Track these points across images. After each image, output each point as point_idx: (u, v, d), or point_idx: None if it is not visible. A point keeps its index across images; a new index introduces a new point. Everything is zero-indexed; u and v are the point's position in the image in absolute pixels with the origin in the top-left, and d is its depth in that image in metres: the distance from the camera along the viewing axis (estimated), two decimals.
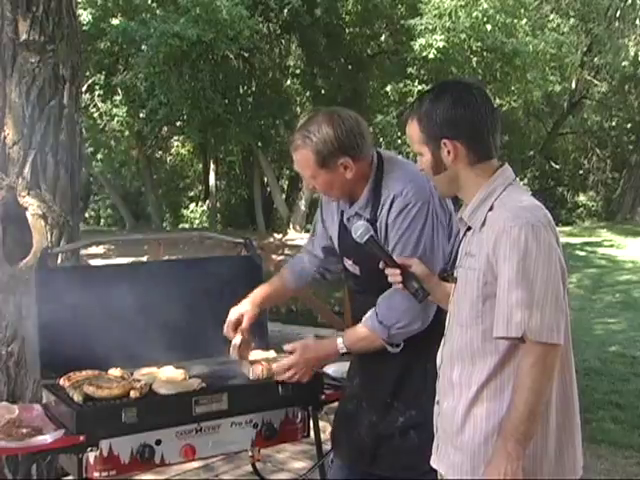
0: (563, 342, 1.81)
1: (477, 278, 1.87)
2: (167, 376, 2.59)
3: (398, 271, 2.14)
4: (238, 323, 2.58)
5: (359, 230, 2.18)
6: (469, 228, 1.97)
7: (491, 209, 1.91)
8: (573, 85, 22.07)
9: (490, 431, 1.85)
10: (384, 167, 2.35)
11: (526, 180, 23.97)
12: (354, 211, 2.37)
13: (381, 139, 19.48)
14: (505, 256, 1.80)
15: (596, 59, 21.06)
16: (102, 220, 25.66)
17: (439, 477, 2.02)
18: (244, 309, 2.58)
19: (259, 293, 2.63)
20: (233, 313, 2.58)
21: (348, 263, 2.44)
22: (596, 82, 22.59)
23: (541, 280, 1.78)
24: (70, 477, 2.81)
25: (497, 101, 17.58)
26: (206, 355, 2.79)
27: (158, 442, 2.40)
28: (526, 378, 1.77)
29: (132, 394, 2.42)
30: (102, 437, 2.32)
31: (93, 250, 13.65)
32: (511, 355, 1.84)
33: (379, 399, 2.37)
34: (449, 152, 1.93)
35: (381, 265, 2.16)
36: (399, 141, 18.73)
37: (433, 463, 2.02)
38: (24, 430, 2.37)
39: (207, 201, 23.77)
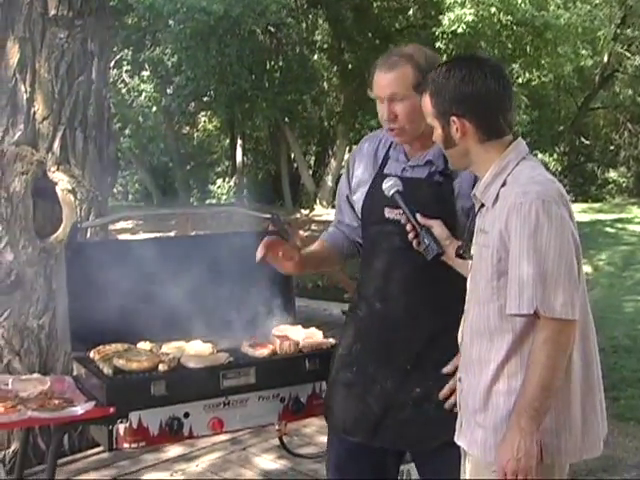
0: (579, 317, 1.79)
1: (491, 255, 1.87)
2: (195, 350, 2.63)
3: (410, 227, 2.16)
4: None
5: (389, 182, 2.20)
6: (483, 205, 1.96)
7: (504, 185, 1.90)
8: (605, 58, 21.65)
9: (512, 408, 1.85)
10: None
11: (555, 156, 23.66)
12: (424, 160, 2.27)
13: None
14: (516, 232, 1.80)
15: (629, 31, 20.63)
16: (130, 195, 25.81)
17: (462, 453, 2.03)
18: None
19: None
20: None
21: (394, 213, 2.31)
22: (629, 55, 22.14)
23: (553, 255, 1.77)
24: (100, 447, 2.86)
25: (527, 76, 17.31)
26: (233, 330, 2.81)
27: (186, 415, 2.43)
28: (540, 354, 1.77)
29: (161, 367, 2.45)
30: (132, 409, 2.36)
31: (121, 225, 13.75)
32: (529, 332, 1.83)
33: (397, 366, 2.29)
34: (457, 129, 1.92)
35: (402, 220, 2.17)
36: None
37: (457, 439, 2.03)
38: (56, 401, 2.42)
39: (234, 177, 23.82)
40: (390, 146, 2.35)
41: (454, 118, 1.92)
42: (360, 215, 2.40)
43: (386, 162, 2.34)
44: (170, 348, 2.64)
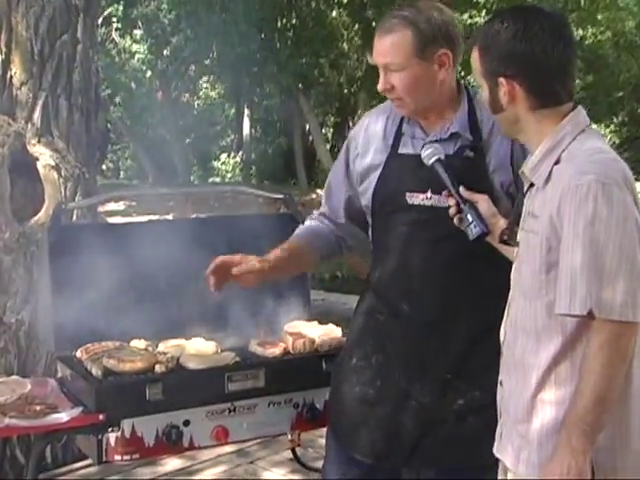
0: None
1: (540, 243, 1.83)
2: (197, 349, 2.64)
3: (453, 202, 2.14)
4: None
5: (428, 150, 2.18)
6: (532, 184, 1.94)
7: (557, 162, 1.85)
8: None
9: (561, 420, 1.82)
10: (469, 90, 2.32)
11: (613, 127, 23.48)
12: (448, 132, 2.25)
13: None
14: (570, 219, 1.75)
15: None
16: (122, 172, 25.93)
17: (501, 468, 2.02)
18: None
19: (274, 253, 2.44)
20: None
21: (420, 198, 2.29)
22: None
23: (613, 248, 1.72)
24: (88, 460, 2.89)
25: (580, 32, 17.16)
26: (239, 327, 2.82)
27: (186, 423, 2.45)
28: (594, 361, 1.73)
29: (157, 368, 2.47)
30: (124, 416, 2.37)
31: (112, 206, 13.81)
32: (582, 334, 1.79)
33: (435, 376, 2.26)
34: (505, 93, 1.90)
35: (445, 194, 2.16)
36: (462, 81, 18.45)
37: (496, 452, 2.02)
38: (37, 407, 2.43)
39: (240, 151, 23.84)
40: (402, 121, 2.31)
41: (502, 79, 1.88)
42: (371, 204, 2.35)
43: (399, 140, 2.31)
44: (168, 347, 2.66)
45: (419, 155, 2.22)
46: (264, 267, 2.33)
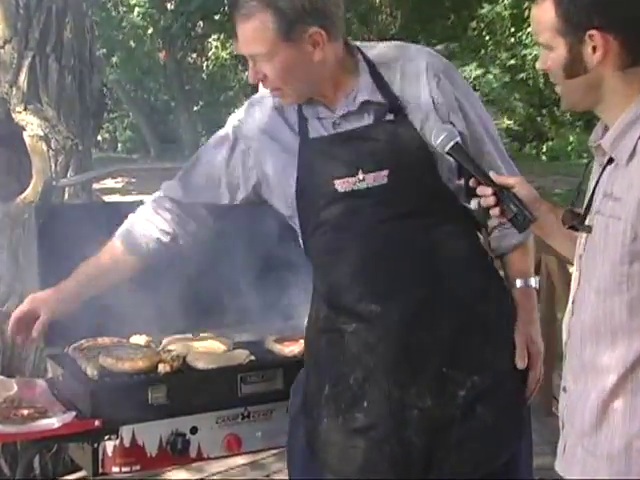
0: None
1: (622, 231, 1.80)
2: (206, 346, 2.67)
3: (490, 191, 2.08)
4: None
5: (442, 135, 2.12)
6: (611, 160, 1.90)
7: None
8: None
9: (635, 434, 1.81)
10: (366, 51, 2.31)
11: None
12: (356, 101, 2.25)
13: (487, 37, 19.13)
14: None
15: None
16: (119, 145, 26.04)
17: None
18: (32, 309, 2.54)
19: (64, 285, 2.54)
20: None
21: (352, 182, 2.27)
22: None
23: None
24: (82, 472, 2.91)
25: None
26: (255, 320, 2.83)
27: (194, 430, 2.46)
28: None
29: (161, 368, 2.48)
30: (123, 422, 2.39)
31: (109, 183, 13.89)
32: None
33: (430, 375, 2.25)
34: (595, 48, 1.83)
35: (472, 183, 2.12)
36: (512, 39, 18.34)
37: (557, 468, 2.01)
38: (25, 412, 2.45)
39: None
40: (300, 104, 2.32)
41: (593, 32, 1.80)
42: (295, 206, 2.32)
43: (305, 125, 2.30)
44: (173, 343, 2.68)
45: (335, 135, 2.26)
46: (53, 315, 2.52)
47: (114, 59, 20.50)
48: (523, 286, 2.38)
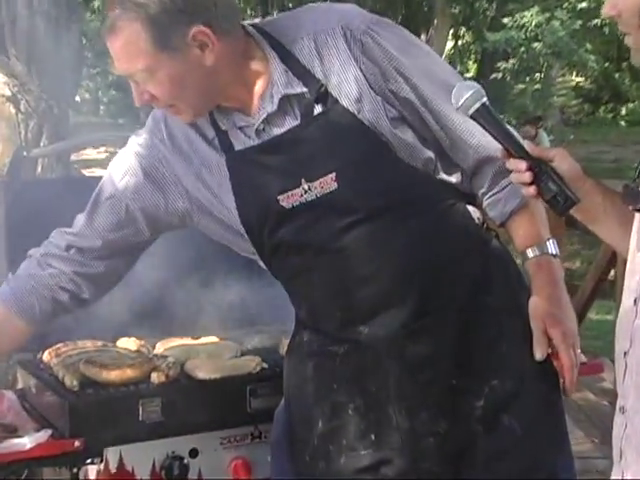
0: None
1: None
2: (208, 351, 2.69)
3: (524, 165, 2.05)
4: None
5: (465, 94, 2.03)
6: None
7: None
8: None
9: None
10: (269, 31, 2.28)
11: None
12: (273, 99, 2.22)
13: None
14: None
15: None
16: (102, 107, 26.06)
17: None
18: None
19: None
20: None
21: (298, 195, 2.26)
22: None
23: None
24: None
25: None
26: (266, 322, 2.86)
27: (193, 453, 2.49)
28: None
29: (154, 378, 2.51)
30: (108, 443, 2.42)
31: (90, 154, 13.93)
32: None
33: (439, 390, 2.27)
34: None
35: (501, 155, 2.09)
36: None
37: None
38: None
39: None
40: (212, 115, 2.32)
41: None
42: (246, 233, 2.34)
43: (226, 139, 2.31)
44: (169, 348, 2.72)
45: (263, 144, 2.25)
46: None
47: (96, 2, 20.47)
48: (537, 254, 2.32)
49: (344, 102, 2.21)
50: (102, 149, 14.85)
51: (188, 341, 2.77)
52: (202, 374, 2.56)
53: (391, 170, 2.23)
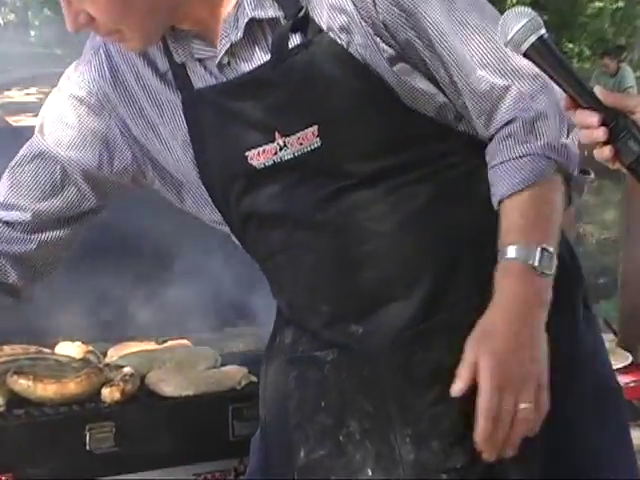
0: None
1: None
2: (177, 360, 2.72)
3: (596, 118, 2.05)
4: None
5: (516, 23, 2.03)
6: None
7: None
8: None
9: None
10: None
11: None
12: (239, 23, 2.20)
13: None
14: None
15: None
16: (33, 32, 26.11)
17: None
18: None
19: None
20: None
21: (270, 152, 2.26)
22: None
23: None
24: None
25: None
26: (253, 321, 2.89)
27: None
28: None
29: (106, 395, 2.53)
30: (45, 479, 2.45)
31: (15, 96, 13.99)
32: None
33: (452, 410, 2.24)
34: None
35: (564, 105, 2.09)
36: None
37: None
38: None
39: None
40: (166, 44, 2.32)
41: None
42: (208, 194, 2.38)
43: (184, 74, 2.32)
44: (125, 356, 2.75)
45: (226, 84, 2.24)
46: None
47: None
48: (511, 257, 2.16)
49: (330, 32, 2.17)
50: (32, 90, 14.88)
51: (150, 346, 2.80)
52: (169, 390, 2.60)
53: (393, 121, 2.21)
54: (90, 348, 2.78)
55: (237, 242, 2.41)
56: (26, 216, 2.42)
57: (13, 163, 2.45)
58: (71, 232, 2.47)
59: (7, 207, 2.44)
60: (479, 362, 2.07)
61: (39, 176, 2.42)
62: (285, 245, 2.31)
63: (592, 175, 2.21)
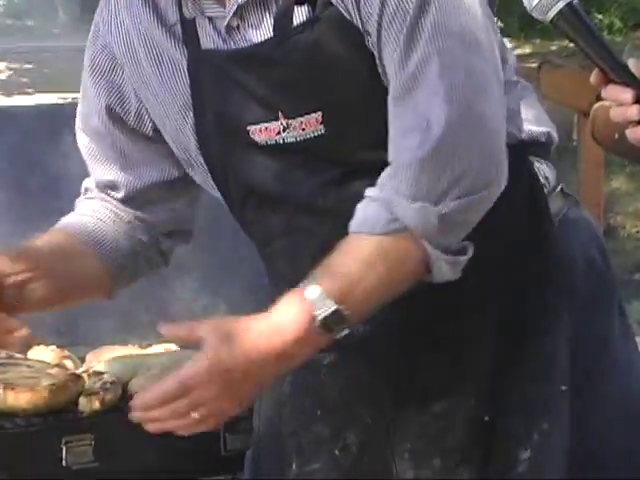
0: None
1: None
2: (163, 366, 2.70)
3: (629, 95, 2.05)
4: None
5: None
6: None
7: None
8: None
9: None
10: None
11: None
12: None
13: None
14: None
15: None
16: (1, 2, 26.19)
17: None
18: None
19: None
20: None
21: (273, 131, 2.28)
22: None
23: None
24: None
25: None
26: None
27: None
28: None
29: (84, 404, 2.55)
30: None
31: None
32: None
33: (459, 428, 2.28)
34: None
35: (594, 78, 2.08)
36: None
37: None
38: None
39: None
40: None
41: None
42: (204, 161, 2.41)
43: (192, 30, 2.36)
44: (105, 361, 2.75)
45: (234, 52, 2.27)
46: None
47: None
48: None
49: (339, 5, 2.17)
50: (2, 66, 14.91)
51: (133, 350, 2.80)
52: None
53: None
54: (66, 353, 2.78)
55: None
56: (138, 185, 2.53)
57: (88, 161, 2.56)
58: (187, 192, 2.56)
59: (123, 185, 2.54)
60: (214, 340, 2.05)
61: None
62: (285, 230, 2.33)
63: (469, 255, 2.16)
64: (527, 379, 2.26)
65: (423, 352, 2.25)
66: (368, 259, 2.10)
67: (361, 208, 2.14)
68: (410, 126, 2.08)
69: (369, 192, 2.14)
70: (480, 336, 2.22)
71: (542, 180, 2.32)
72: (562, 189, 2.36)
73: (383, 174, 2.14)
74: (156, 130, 2.47)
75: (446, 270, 2.10)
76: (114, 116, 2.47)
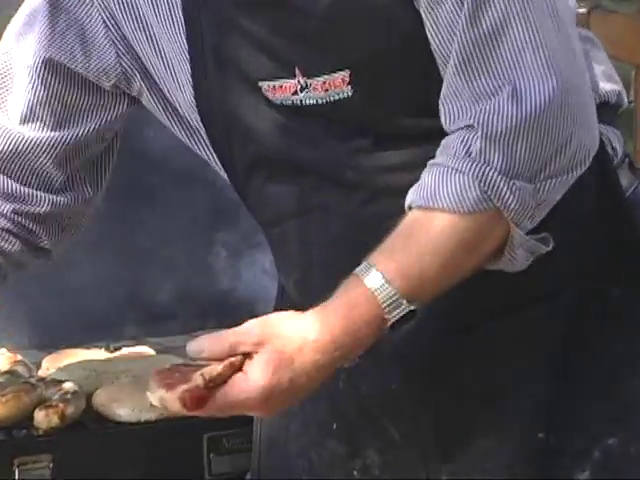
0: None
1: None
2: (135, 373, 2.72)
3: None
4: None
5: None
6: None
7: None
8: None
9: None
10: None
11: None
12: None
13: None
14: None
15: None
16: None
17: None
18: None
19: None
20: None
21: (290, 89, 2.22)
22: None
23: None
24: None
25: None
26: (225, 321, 2.90)
27: None
28: None
29: (41, 419, 2.53)
30: None
31: None
32: None
33: (508, 445, 2.26)
34: None
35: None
36: None
37: None
38: None
39: None
40: None
41: None
42: (202, 123, 2.38)
43: None
44: (65, 367, 2.74)
45: (243, 1, 2.21)
46: None
47: None
48: (359, 271, 2.05)
49: None
50: None
51: (99, 355, 2.79)
52: (124, 412, 2.60)
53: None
54: (19, 357, 2.77)
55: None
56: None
57: None
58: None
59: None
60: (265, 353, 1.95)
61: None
62: (300, 206, 2.27)
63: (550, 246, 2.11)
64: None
65: (463, 361, 2.22)
66: (446, 244, 2.04)
67: (436, 179, 2.05)
68: (492, 90, 2.02)
69: (444, 160, 2.05)
70: (532, 340, 2.20)
71: (610, 151, 2.26)
72: (631, 161, 2.34)
73: (452, 142, 2.06)
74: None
75: (520, 259, 2.06)
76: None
